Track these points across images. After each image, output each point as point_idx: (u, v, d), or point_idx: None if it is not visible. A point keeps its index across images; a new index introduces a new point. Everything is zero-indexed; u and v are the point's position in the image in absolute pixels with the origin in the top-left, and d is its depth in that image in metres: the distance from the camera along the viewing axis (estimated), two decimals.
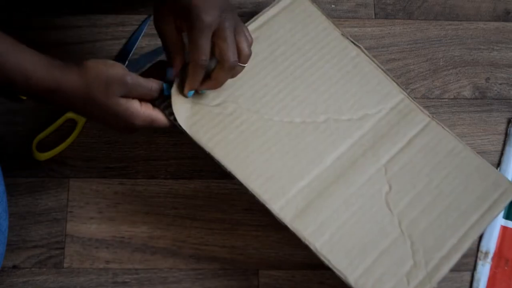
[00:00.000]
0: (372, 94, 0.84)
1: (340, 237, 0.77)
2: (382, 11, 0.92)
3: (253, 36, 0.77)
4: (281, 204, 0.78)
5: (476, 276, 0.80)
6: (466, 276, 0.80)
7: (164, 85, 0.74)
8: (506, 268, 0.81)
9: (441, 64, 0.90)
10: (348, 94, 0.84)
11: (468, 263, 0.81)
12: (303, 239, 0.76)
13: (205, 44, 0.70)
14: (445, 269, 0.76)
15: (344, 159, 0.81)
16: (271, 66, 0.85)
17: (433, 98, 0.88)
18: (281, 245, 0.81)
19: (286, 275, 0.80)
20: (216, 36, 0.71)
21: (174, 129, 0.75)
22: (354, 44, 0.86)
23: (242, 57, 0.73)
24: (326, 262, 0.76)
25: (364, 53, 0.86)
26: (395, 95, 0.84)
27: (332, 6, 0.91)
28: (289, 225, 0.77)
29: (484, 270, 0.80)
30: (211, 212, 0.82)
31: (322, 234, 0.77)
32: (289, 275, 0.80)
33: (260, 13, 0.87)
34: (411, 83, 0.89)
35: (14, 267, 0.79)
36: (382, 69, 0.85)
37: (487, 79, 0.90)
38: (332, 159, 0.81)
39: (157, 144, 0.84)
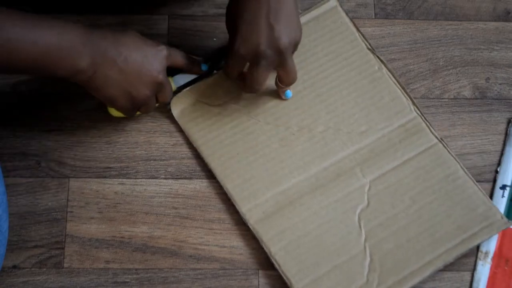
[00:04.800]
0: (382, 110, 0.85)
1: (298, 246, 0.78)
2: (382, 11, 0.92)
3: None
4: (250, 206, 0.80)
5: (476, 276, 0.80)
6: (466, 276, 0.80)
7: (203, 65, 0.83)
8: (506, 268, 0.81)
9: (441, 64, 0.90)
10: (356, 108, 0.85)
11: (468, 263, 0.81)
12: (261, 242, 0.79)
13: (234, 67, 0.78)
14: None
15: (329, 171, 0.82)
16: None
17: (433, 98, 0.88)
18: None
19: None
20: (249, 67, 0.77)
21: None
22: (379, 58, 0.87)
23: (254, 89, 0.79)
24: (277, 266, 0.78)
25: (387, 68, 0.86)
26: (407, 113, 0.85)
27: None
28: (251, 227, 0.79)
29: (484, 270, 0.80)
30: (211, 212, 0.82)
31: (280, 240, 0.79)
32: None
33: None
34: (411, 83, 0.89)
35: (14, 267, 0.79)
36: (401, 86, 0.86)
37: (487, 79, 0.89)
38: (317, 169, 0.82)
39: (157, 144, 0.84)
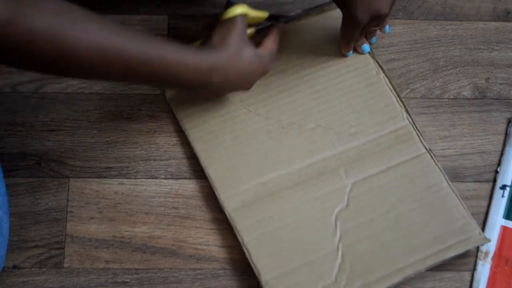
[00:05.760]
0: (375, 115, 0.85)
1: (271, 238, 0.78)
2: None
3: (283, 35, 0.84)
4: (229, 194, 0.80)
5: (476, 276, 0.80)
6: (466, 276, 0.80)
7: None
8: (506, 268, 0.81)
9: (441, 64, 0.90)
10: (349, 109, 0.85)
11: (468, 263, 0.81)
12: (235, 230, 0.79)
13: (355, 35, 0.84)
14: None
15: (313, 169, 0.82)
16: (282, 67, 0.86)
17: (433, 98, 0.88)
18: None
19: None
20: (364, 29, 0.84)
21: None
22: (378, 63, 0.87)
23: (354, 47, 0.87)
24: (247, 255, 0.78)
25: (385, 74, 0.86)
26: (399, 120, 0.84)
27: None
28: (228, 215, 0.79)
29: (484, 270, 0.80)
30: (211, 212, 0.82)
31: (255, 230, 0.79)
32: None
33: (302, 15, 0.89)
34: (411, 83, 0.88)
35: (14, 267, 0.79)
36: (396, 93, 0.86)
37: (487, 79, 0.89)
38: (301, 165, 0.82)
39: (157, 144, 0.84)
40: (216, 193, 0.80)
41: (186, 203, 0.82)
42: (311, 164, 0.82)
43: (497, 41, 0.91)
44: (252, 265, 0.77)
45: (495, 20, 0.92)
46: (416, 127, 0.84)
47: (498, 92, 0.89)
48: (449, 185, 0.81)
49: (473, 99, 0.88)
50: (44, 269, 0.79)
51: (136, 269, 0.79)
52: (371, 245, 0.78)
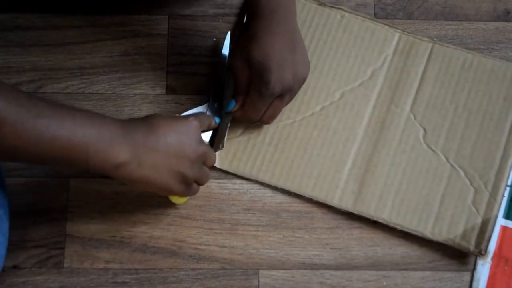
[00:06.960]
0: (371, 48, 0.87)
1: (402, 199, 0.80)
2: (382, 11, 0.92)
3: None
4: (339, 195, 0.81)
5: (476, 276, 0.80)
6: (466, 276, 0.80)
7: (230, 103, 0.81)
8: (506, 268, 0.81)
9: None
10: (350, 59, 0.86)
11: (468, 263, 0.81)
12: (370, 218, 0.80)
13: (262, 108, 0.79)
14: (503, 183, 0.80)
15: (373, 124, 0.84)
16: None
17: None
18: (281, 245, 0.81)
19: (286, 275, 0.80)
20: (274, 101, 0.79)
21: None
22: (335, 8, 0.88)
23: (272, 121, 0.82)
24: (399, 227, 0.79)
25: (347, 12, 0.88)
26: (392, 37, 0.87)
27: None
28: (352, 211, 0.80)
29: (484, 270, 0.80)
30: (211, 212, 0.82)
31: (385, 205, 0.80)
32: (289, 275, 0.80)
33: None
34: None
35: (14, 267, 0.79)
36: (370, 19, 0.88)
37: None
38: (362, 129, 0.83)
39: None
40: (328, 203, 0.81)
41: (186, 203, 0.82)
42: (368, 123, 0.84)
43: (497, 41, 0.91)
44: (408, 231, 0.79)
45: (495, 20, 0.92)
46: (409, 32, 0.87)
47: None
48: (474, 54, 0.87)
49: None
50: (44, 269, 0.79)
51: (136, 269, 0.79)
52: (470, 143, 0.82)
